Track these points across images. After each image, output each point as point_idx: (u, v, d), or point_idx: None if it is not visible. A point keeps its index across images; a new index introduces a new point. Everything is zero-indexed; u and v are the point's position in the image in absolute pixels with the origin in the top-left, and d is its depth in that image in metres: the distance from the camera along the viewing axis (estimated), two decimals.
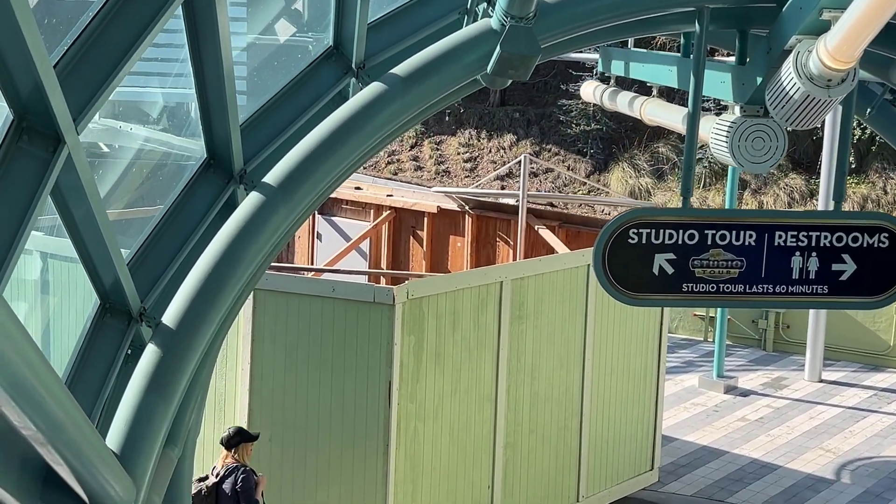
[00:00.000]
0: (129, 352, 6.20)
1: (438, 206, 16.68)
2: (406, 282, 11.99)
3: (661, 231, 7.15)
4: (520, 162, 14.89)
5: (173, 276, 6.27)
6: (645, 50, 10.98)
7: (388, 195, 17.30)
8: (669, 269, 7.22)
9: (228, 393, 12.04)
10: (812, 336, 19.32)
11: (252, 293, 11.74)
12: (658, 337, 14.61)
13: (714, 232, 7.19)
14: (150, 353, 5.78)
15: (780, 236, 7.23)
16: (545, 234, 14.77)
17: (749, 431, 16.93)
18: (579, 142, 36.41)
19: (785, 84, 6.44)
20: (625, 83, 11.92)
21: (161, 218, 6.17)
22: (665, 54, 9.31)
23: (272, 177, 6.11)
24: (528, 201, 14.61)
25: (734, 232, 7.19)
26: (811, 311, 19.28)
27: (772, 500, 14.55)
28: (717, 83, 7.63)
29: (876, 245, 7.37)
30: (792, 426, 17.22)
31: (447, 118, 38.70)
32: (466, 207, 16.39)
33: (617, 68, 10.47)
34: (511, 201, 15.84)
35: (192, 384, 7.36)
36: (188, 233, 6.22)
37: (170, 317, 5.86)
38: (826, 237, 7.25)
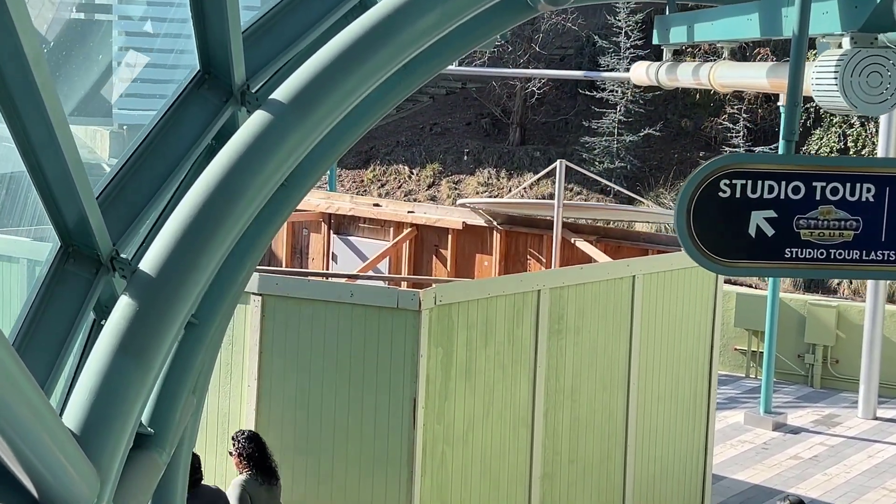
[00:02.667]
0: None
1: (464, 222, 15.40)
2: (433, 286, 10.67)
3: (760, 183, 5.83)
4: (551, 172, 13.61)
5: (153, 216, 4.99)
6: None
7: (409, 211, 16.03)
8: (769, 230, 5.90)
9: (233, 412, 10.68)
10: (866, 371, 17.89)
11: (261, 301, 10.46)
12: (709, 361, 13.24)
13: (824, 184, 5.87)
14: (123, 307, 4.48)
15: None
16: (583, 245, 13.45)
17: (804, 470, 15.49)
18: (600, 183, 35.21)
19: None
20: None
21: (140, 143, 4.88)
22: (738, 6, 8.04)
23: (283, 92, 4.84)
24: (563, 207, 13.28)
25: (849, 185, 5.87)
26: (864, 345, 17.88)
27: None
28: (819, 15, 6.35)
29: None
30: (849, 465, 15.76)
31: (465, 157, 37.59)
32: (494, 222, 15.10)
33: (677, 36, 9.21)
34: (544, 213, 14.53)
35: (183, 368, 6.06)
36: (174, 162, 4.93)
37: (149, 262, 4.56)
38: None
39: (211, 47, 4.92)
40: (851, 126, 30.94)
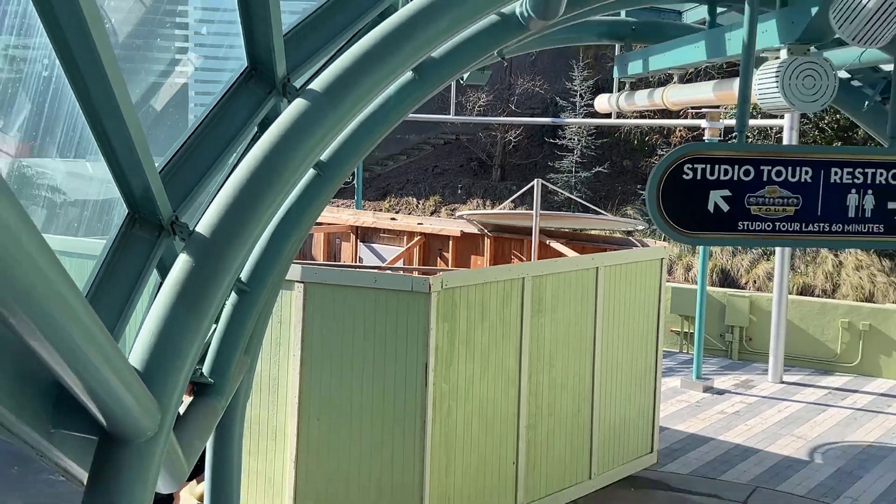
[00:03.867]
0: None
1: (461, 231, 14.79)
2: (440, 274, 10.06)
3: (716, 166, 5.25)
4: (531, 189, 12.98)
5: (210, 190, 4.40)
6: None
7: (418, 223, 15.43)
8: (725, 207, 5.31)
9: (281, 378, 10.05)
10: (774, 344, 17.26)
11: (303, 287, 9.84)
12: (655, 336, 12.61)
13: (770, 168, 5.29)
14: (181, 264, 3.87)
15: (835, 173, 5.33)
16: (556, 245, 12.84)
17: (729, 422, 14.84)
18: (563, 207, 34.63)
19: None
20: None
21: (196, 128, 4.29)
22: (685, 38, 7.50)
23: (318, 83, 4.25)
24: (540, 217, 12.67)
25: (790, 168, 5.29)
26: (772, 323, 17.26)
27: (758, 478, 12.45)
28: (760, 34, 5.78)
29: None
30: (764, 418, 15.13)
31: (459, 191, 37.15)
32: (485, 230, 14.49)
33: (635, 69, 8.65)
34: (524, 222, 13.91)
35: (237, 329, 5.45)
36: (225, 144, 4.33)
37: (204, 225, 3.96)
38: (882, 174, 5.34)
39: (256, 46, 4.33)
40: None
